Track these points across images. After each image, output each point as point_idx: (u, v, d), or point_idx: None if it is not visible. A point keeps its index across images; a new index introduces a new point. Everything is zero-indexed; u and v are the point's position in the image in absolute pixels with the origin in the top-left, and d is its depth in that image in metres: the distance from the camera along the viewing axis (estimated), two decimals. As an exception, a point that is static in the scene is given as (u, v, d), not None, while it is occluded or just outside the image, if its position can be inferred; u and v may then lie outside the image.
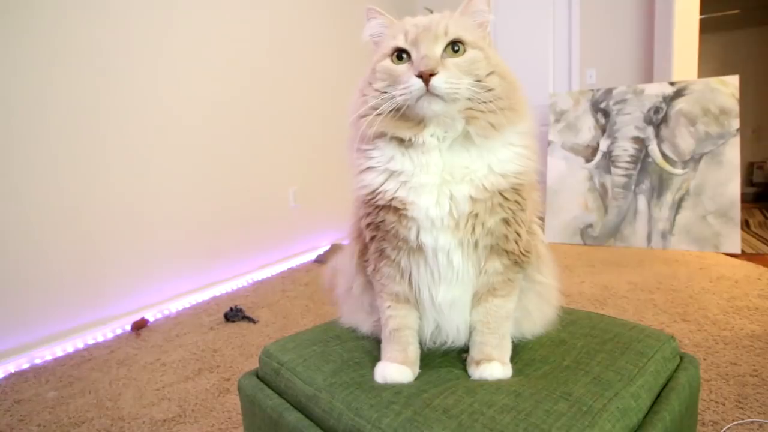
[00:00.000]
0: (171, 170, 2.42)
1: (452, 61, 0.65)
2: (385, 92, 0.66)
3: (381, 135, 0.68)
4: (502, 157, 0.68)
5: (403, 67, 0.66)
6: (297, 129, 3.23)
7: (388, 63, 0.67)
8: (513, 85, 0.68)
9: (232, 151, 2.76)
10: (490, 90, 0.65)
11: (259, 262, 2.94)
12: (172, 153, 2.42)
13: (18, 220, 1.85)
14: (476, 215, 0.68)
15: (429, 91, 0.62)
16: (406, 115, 0.66)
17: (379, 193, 0.69)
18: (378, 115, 0.66)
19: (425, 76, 0.62)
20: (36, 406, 1.51)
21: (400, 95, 0.64)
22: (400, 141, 0.68)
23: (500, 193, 0.68)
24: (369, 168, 0.70)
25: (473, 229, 0.69)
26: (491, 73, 0.66)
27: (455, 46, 0.65)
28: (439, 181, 0.67)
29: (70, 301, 2.01)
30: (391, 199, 0.69)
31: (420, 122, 0.66)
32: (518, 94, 0.69)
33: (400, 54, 0.67)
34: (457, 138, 0.67)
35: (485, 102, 0.65)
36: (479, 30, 0.70)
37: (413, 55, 0.65)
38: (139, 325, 2.12)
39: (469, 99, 0.65)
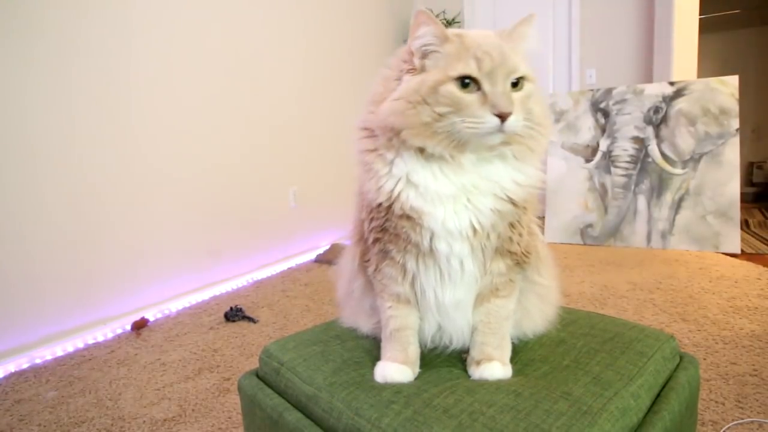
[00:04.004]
0: (171, 170, 2.42)
1: (516, 95, 0.65)
2: (446, 118, 0.64)
3: (418, 148, 0.67)
4: (528, 172, 0.70)
5: (472, 99, 0.63)
6: (297, 129, 3.23)
7: (454, 89, 0.63)
8: (546, 110, 0.70)
9: (232, 151, 2.76)
10: (534, 120, 0.67)
11: (259, 262, 2.94)
12: (172, 153, 2.42)
13: (18, 220, 1.85)
14: (494, 224, 0.70)
15: (501, 129, 0.63)
16: (453, 136, 0.65)
17: (394, 201, 0.69)
18: (432, 132, 0.65)
19: (504, 117, 0.62)
20: (36, 406, 1.51)
21: (468, 128, 0.63)
22: (422, 151, 0.67)
23: (515, 203, 0.70)
24: (386, 174, 0.69)
25: (488, 236, 0.70)
26: (536, 103, 0.68)
27: (516, 79, 0.66)
28: (457, 192, 0.68)
29: (70, 301, 2.01)
30: (407, 209, 0.68)
31: (461, 142, 0.65)
32: (549, 118, 0.71)
33: (464, 81, 0.63)
34: (487, 155, 0.68)
35: (529, 129, 0.67)
36: (525, 56, 0.69)
37: (486, 87, 0.63)
38: (139, 325, 2.12)
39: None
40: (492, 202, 0.68)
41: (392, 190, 0.69)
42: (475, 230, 0.69)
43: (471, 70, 0.63)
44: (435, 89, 0.64)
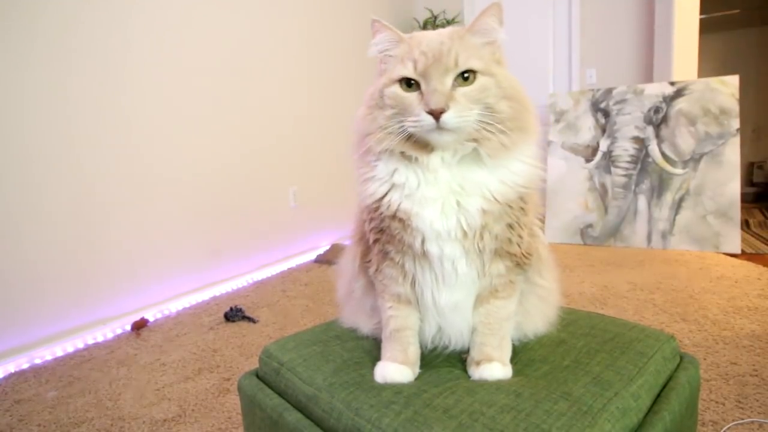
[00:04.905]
0: (171, 170, 2.42)
1: (462, 91, 0.64)
2: (394, 118, 0.66)
3: (389, 151, 0.68)
4: (513, 170, 0.68)
5: (412, 97, 0.65)
6: (297, 129, 3.23)
7: (396, 90, 0.66)
8: (523, 104, 0.68)
9: (232, 151, 2.76)
10: (499, 115, 0.65)
11: (259, 262, 2.94)
12: (172, 153, 2.42)
13: (17, 221, 1.85)
14: (485, 225, 0.69)
15: (439, 126, 0.62)
16: (415, 139, 0.66)
17: (382, 203, 0.70)
18: (387, 133, 0.66)
19: (436, 114, 0.62)
20: (36, 406, 1.51)
21: (411, 126, 0.64)
22: (405, 155, 0.68)
23: (507, 203, 0.69)
24: (372, 178, 0.71)
25: (481, 237, 0.69)
26: (501, 98, 0.65)
27: (465, 74, 0.64)
28: (444, 194, 0.67)
29: (70, 301, 2.01)
30: (396, 210, 0.69)
31: (428, 145, 0.66)
32: (528, 113, 0.68)
33: (408, 81, 0.65)
34: (467, 154, 0.67)
35: (495, 124, 0.65)
36: (489, 48, 0.68)
37: (423, 86, 0.64)
38: (139, 325, 2.12)
39: (478, 125, 0.64)
40: (479, 202, 0.67)
41: (376, 192, 0.70)
42: (465, 232, 0.68)
43: (407, 71, 0.65)
44: (383, 92, 0.67)
